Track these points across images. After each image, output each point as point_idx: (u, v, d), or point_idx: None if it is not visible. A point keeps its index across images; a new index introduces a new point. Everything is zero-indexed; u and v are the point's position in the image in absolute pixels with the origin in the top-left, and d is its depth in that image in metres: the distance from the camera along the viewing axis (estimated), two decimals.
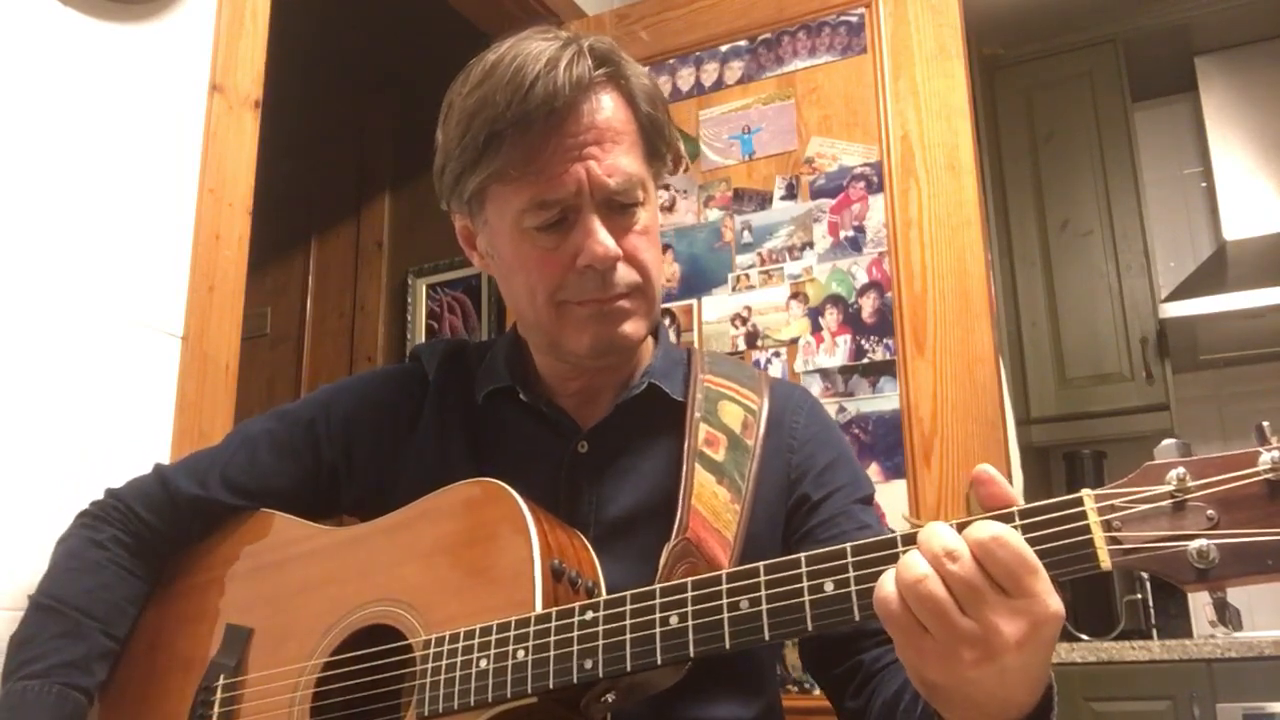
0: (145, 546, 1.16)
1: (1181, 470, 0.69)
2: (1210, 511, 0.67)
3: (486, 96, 0.99)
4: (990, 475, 0.73)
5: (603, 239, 1.01)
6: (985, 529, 0.69)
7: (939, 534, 0.70)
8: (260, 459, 1.18)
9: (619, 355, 1.09)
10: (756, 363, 2.29)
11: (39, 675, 1.05)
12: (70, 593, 1.11)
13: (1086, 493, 0.71)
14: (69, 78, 1.43)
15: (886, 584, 0.71)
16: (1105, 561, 0.69)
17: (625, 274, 1.03)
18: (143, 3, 1.53)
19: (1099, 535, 0.69)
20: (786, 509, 1.11)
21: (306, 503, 1.17)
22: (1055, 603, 0.68)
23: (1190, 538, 0.67)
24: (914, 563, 0.70)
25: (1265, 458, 0.67)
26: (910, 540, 0.74)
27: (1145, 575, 3.10)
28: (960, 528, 0.71)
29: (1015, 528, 0.71)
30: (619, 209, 1.03)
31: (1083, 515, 0.70)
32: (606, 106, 1.02)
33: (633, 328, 1.06)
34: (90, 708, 1.08)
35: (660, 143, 1.08)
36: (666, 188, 2.49)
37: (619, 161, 1.02)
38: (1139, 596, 3.09)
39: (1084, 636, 3.07)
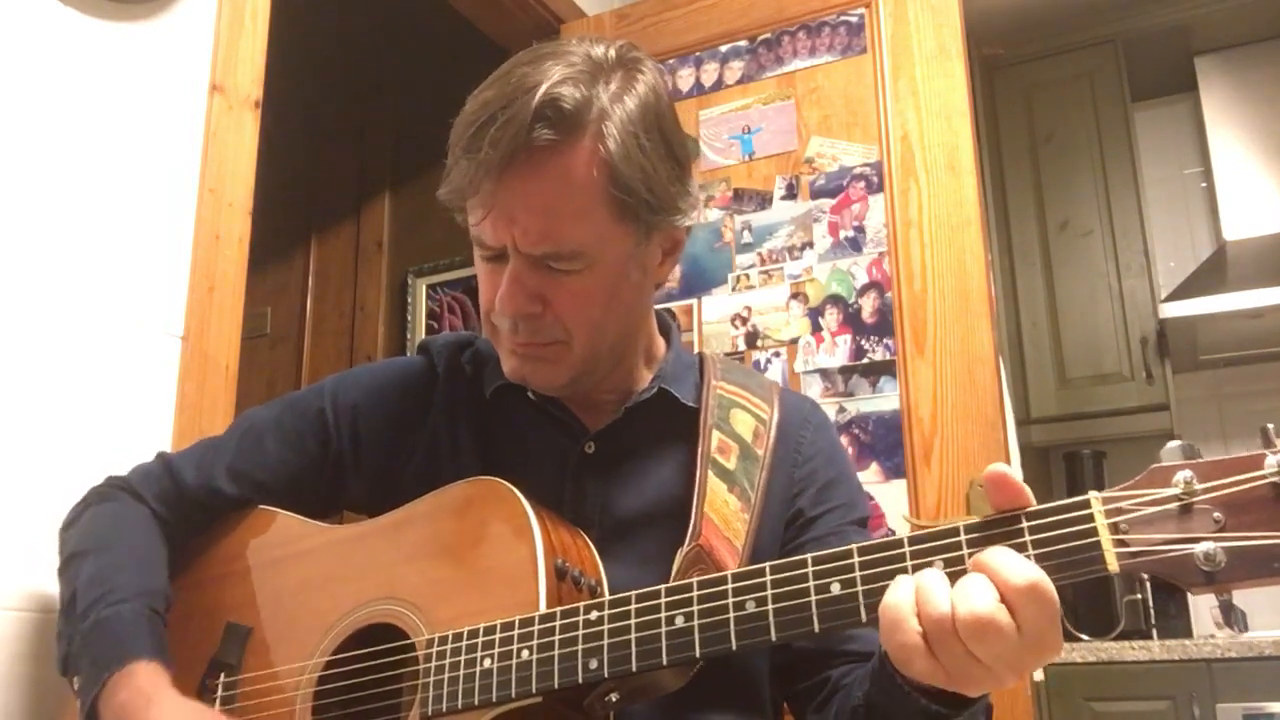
0: (161, 525, 1.16)
1: (1188, 473, 0.69)
2: (1217, 514, 0.67)
3: (462, 118, 0.98)
4: (1005, 479, 0.73)
5: (509, 295, 0.98)
6: (1020, 574, 0.68)
7: (973, 587, 0.69)
8: (266, 448, 1.17)
9: (542, 390, 1.08)
10: (756, 363, 2.29)
11: (128, 600, 1.03)
12: (123, 539, 1.11)
13: (1094, 495, 0.71)
14: (69, 78, 1.43)
15: (904, 607, 0.71)
16: (1113, 564, 0.69)
17: (544, 326, 1.00)
18: (143, 2, 1.53)
19: (1106, 538, 0.69)
20: (784, 521, 1.10)
21: (311, 493, 1.17)
22: (1061, 643, 0.69)
23: (1197, 541, 0.67)
24: (937, 596, 0.69)
25: (1271, 460, 0.67)
26: (917, 540, 0.74)
27: (1145, 576, 3.10)
28: (968, 530, 0.71)
29: (1022, 530, 0.71)
30: (552, 269, 0.98)
31: (1090, 518, 0.70)
32: (552, 172, 0.94)
33: (548, 374, 1.04)
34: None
35: (641, 209, 0.98)
36: None
37: (552, 229, 0.95)
38: (1139, 596, 3.09)
39: (1084, 636, 3.07)
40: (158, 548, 1.13)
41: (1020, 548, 0.71)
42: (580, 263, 0.97)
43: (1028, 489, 0.74)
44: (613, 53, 1.00)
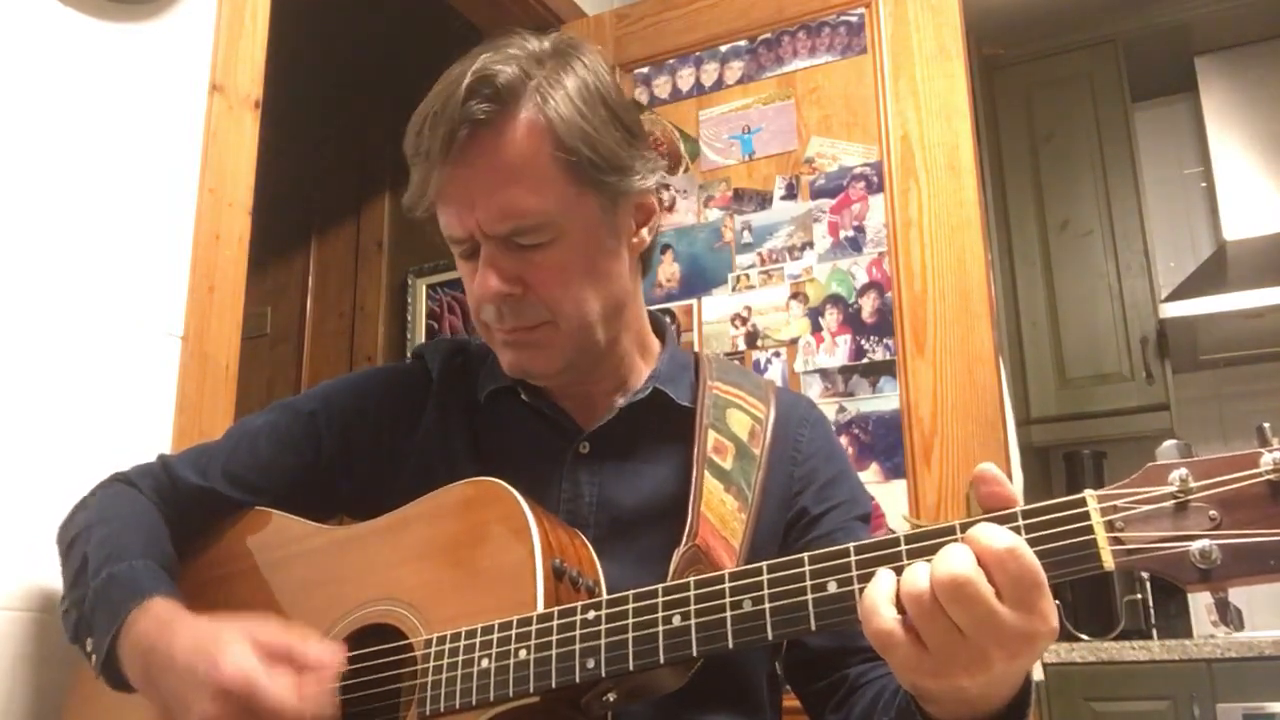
0: (163, 516, 1.16)
1: (1184, 471, 0.69)
2: (1212, 512, 0.67)
3: (409, 124, 1.01)
4: (992, 474, 0.73)
5: (485, 280, 0.99)
6: (1000, 540, 0.68)
7: (951, 553, 0.69)
8: (261, 451, 1.17)
9: (542, 380, 1.08)
10: (756, 363, 2.30)
11: (140, 557, 1.04)
12: (128, 516, 1.11)
13: (1089, 493, 0.71)
14: (69, 78, 1.43)
15: (880, 594, 0.71)
16: (1108, 562, 0.69)
17: (528, 309, 1.01)
18: (143, 3, 1.53)
19: (1102, 536, 0.69)
20: (785, 521, 1.11)
21: (305, 495, 1.17)
22: (1054, 618, 0.69)
23: (1193, 538, 0.67)
24: (917, 576, 0.69)
25: (1267, 459, 0.67)
26: (913, 539, 0.74)
27: (1146, 575, 3.11)
28: (964, 528, 0.71)
29: (1018, 528, 0.71)
30: (522, 246, 0.99)
31: (1085, 516, 0.70)
32: (498, 145, 0.97)
33: (543, 359, 1.05)
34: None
35: (595, 170, 1.00)
36: (666, 187, 2.49)
37: (512, 204, 0.97)
38: (1139, 597, 3.10)
39: (1084, 636, 3.07)
40: (161, 526, 1.13)
41: None
42: (547, 234, 0.99)
43: (1014, 492, 0.74)
44: (548, 44, 1.03)
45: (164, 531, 1.13)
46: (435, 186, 0.99)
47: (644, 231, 1.10)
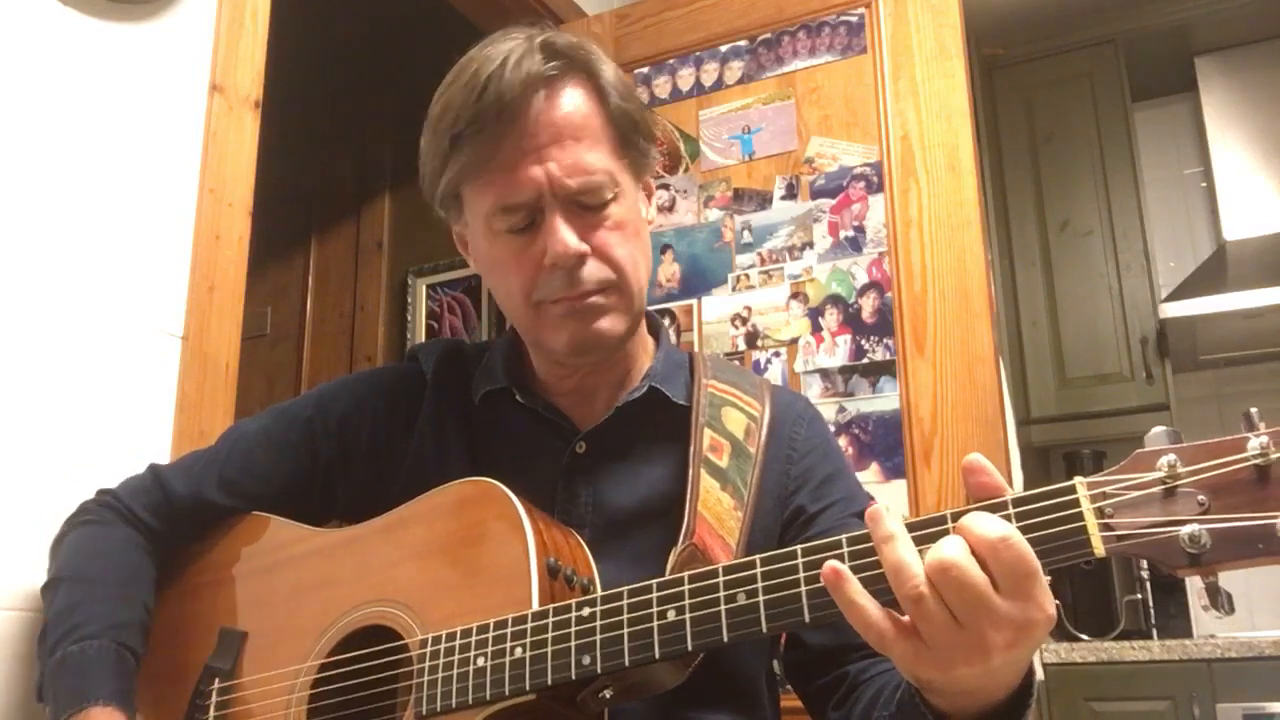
0: (149, 542, 1.16)
1: (1172, 457, 0.69)
2: (1201, 497, 0.68)
3: (449, 101, 1.03)
4: (980, 464, 0.73)
5: (563, 237, 1.00)
6: (993, 529, 0.68)
7: (942, 542, 0.69)
8: (256, 458, 1.17)
9: (600, 352, 1.08)
10: (756, 363, 2.30)
11: (95, 636, 1.04)
12: (100, 566, 1.11)
13: (1079, 480, 0.71)
14: (69, 78, 1.43)
15: (870, 610, 0.71)
16: (1099, 548, 0.69)
17: (595, 270, 1.02)
18: (143, 3, 1.53)
19: (1092, 522, 0.70)
20: (782, 519, 1.10)
21: (302, 501, 1.17)
22: (1051, 606, 0.69)
23: (1182, 523, 0.68)
24: (912, 573, 0.69)
25: (1253, 443, 0.67)
26: (906, 529, 0.74)
27: (1145, 576, 3.11)
28: (955, 517, 0.71)
29: (1008, 516, 0.71)
30: (586, 206, 1.02)
31: (1075, 503, 0.70)
32: (565, 103, 1.01)
33: (609, 323, 1.05)
34: (138, 672, 1.07)
35: (634, 134, 1.06)
36: (666, 187, 2.49)
37: (581, 159, 1.00)
38: (1139, 596, 3.10)
39: (1084, 636, 3.07)
40: (138, 572, 1.13)
41: None
42: (609, 191, 1.02)
43: (1003, 482, 0.74)
44: (543, 36, 1.06)
45: (140, 580, 1.13)
46: (503, 148, 1.00)
47: (651, 209, 1.14)
